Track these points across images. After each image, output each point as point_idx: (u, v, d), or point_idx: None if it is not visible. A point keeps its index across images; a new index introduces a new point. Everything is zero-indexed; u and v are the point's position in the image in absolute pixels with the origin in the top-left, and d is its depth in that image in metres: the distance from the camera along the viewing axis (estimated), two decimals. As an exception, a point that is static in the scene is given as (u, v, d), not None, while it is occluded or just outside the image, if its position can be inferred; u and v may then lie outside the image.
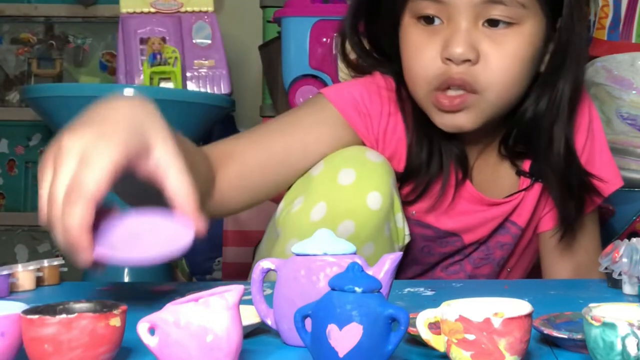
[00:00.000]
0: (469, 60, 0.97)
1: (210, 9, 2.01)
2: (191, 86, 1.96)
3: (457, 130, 1.03)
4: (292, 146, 1.03)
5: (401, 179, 1.06)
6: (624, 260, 0.85)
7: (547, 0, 1.00)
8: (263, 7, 2.29)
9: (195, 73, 1.97)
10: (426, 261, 1.14)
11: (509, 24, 0.98)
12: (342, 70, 1.22)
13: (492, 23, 0.98)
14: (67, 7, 2.77)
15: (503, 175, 1.11)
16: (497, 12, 0.97)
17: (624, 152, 1.51)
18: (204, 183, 0.91)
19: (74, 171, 0.67)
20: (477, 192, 1.08)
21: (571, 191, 1.07)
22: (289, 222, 0.99)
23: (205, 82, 1.97)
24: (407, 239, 1.04)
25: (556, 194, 1.08)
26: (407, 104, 1.06)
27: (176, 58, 1.90)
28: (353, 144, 1.05)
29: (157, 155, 0.72)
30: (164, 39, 1.93)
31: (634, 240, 0.87)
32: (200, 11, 2.00)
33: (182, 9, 1.99)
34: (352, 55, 1.13)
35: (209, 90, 1.96)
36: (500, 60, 0.98)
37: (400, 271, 1.14)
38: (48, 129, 2.65)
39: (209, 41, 1.99)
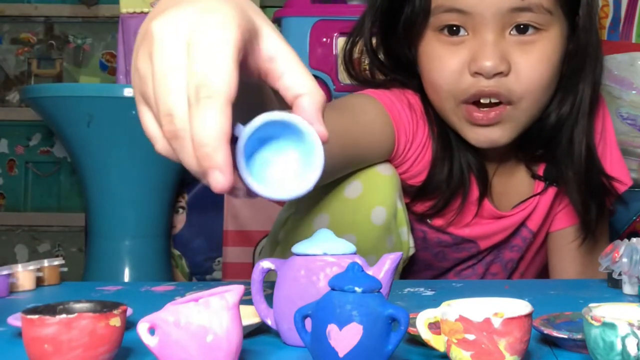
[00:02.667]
0: (500, 73, 0.95)
1: (211, 9, 2.01)
2: (191, 86, 1.96)
3: (491, 145, 1.01)
4: (361, 143, 0.97)
5: (418, 195, 1.05)
6: (624, 260, 0.85)
7: (567, 2, 0.99)
8: (263, 7, 2.30)
9: (195, 73, 1.97)
10: (440, 266, 1.14)
11: (537, 29, 0.96)
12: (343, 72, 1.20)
13: (521, 30, 0.96)
14: (68, 7, 2.77)
15: (519, 181, 1.10)
16: (524, 18, 0.95)
17: (624, 152, 1.51)
18: None
19: (182, 66, 0.49)
20: (493, 208, 1.07)
21: (593, 195, 1.05)
22: (292, 230, 0.99)
23: (205, 82, 1.97)
24: (411, 252, 1.03)
25: (577, 199, 1.06)
26: (433, 120, 1.04)
27: (176, 58, 1.90)
28: (387, 157, 1.02)
29: (271, 43, 0.53)
30: (164, 39, 1.93)
31: (634, 240, 0.86)
32: (201, 11, 2.00)
33: (182, 9, 1.99)
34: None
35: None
36: (532, 67, 0.96)
37: (412, 275, 1.14)
38: (48, 129, 2.65)
39: (209, 41, 1.99)
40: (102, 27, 2.77)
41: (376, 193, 0.97)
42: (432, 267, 1.13)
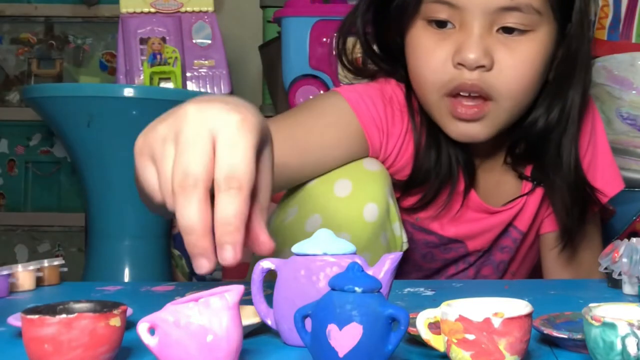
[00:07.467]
0: (482, 66, 0.95)
1: (210, 9, 2.01)
2: (191, 86, 1.96)
3: (470, 140, 1.01)
4: (313, 148, 0.99)
5: (407, 187, 1.05)
6: (624, 260, 0.85)
7: (559, 6, 0.99)
8: (263, 7, 2.30)
9: (195, 73, 1.97)
10: (428, 267, 1.14)
11: (523, 31, 0.96)
12: (342, 72, 1.21)
13: (507, 30, 0.96)
14: (68, 7, 2.77)
15: (507, 181, 1.10)
16: (512, 19, 0.96)
17: (624, 152, 1.51)
18: None
19: (205, 146, 0.56)
20: (481, 201, 1.07)
21: (575, 203, 1.06)
22: (283, 232, 0.99)
23: (205, 82, 1.97)
24: (405, 246, 1.03)
25: (559, 206, 1.07)
26: (416, 111, 1.04)
27: (176, 58, 1.90)
28: (362, 155, 1.02)
29: (266, 154, 0.61)
30: (164, 39, 1.93)
31: (634, 240, 0.86)
32: (200, 11, 2.01)
33: (182, 9, 2.00)
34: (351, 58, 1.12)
35: (209, 90, 1.96)
36: (515, 66, 0.96)
37: (402, 276, 1.14)
38: (48, 129, 2.65)
39: (209, 41, 1.99)
40: (102, 27, 2.78)
41: (366, 190, 0.97)
42: (421, 268, 1.13)
